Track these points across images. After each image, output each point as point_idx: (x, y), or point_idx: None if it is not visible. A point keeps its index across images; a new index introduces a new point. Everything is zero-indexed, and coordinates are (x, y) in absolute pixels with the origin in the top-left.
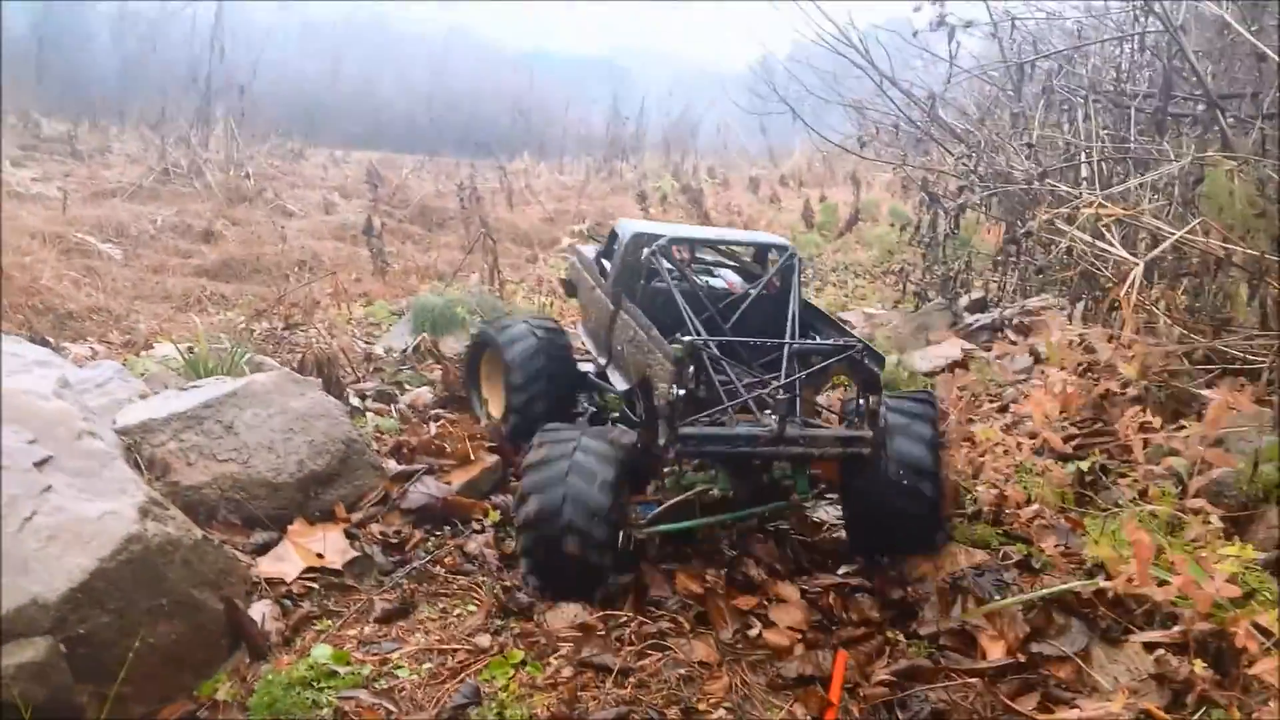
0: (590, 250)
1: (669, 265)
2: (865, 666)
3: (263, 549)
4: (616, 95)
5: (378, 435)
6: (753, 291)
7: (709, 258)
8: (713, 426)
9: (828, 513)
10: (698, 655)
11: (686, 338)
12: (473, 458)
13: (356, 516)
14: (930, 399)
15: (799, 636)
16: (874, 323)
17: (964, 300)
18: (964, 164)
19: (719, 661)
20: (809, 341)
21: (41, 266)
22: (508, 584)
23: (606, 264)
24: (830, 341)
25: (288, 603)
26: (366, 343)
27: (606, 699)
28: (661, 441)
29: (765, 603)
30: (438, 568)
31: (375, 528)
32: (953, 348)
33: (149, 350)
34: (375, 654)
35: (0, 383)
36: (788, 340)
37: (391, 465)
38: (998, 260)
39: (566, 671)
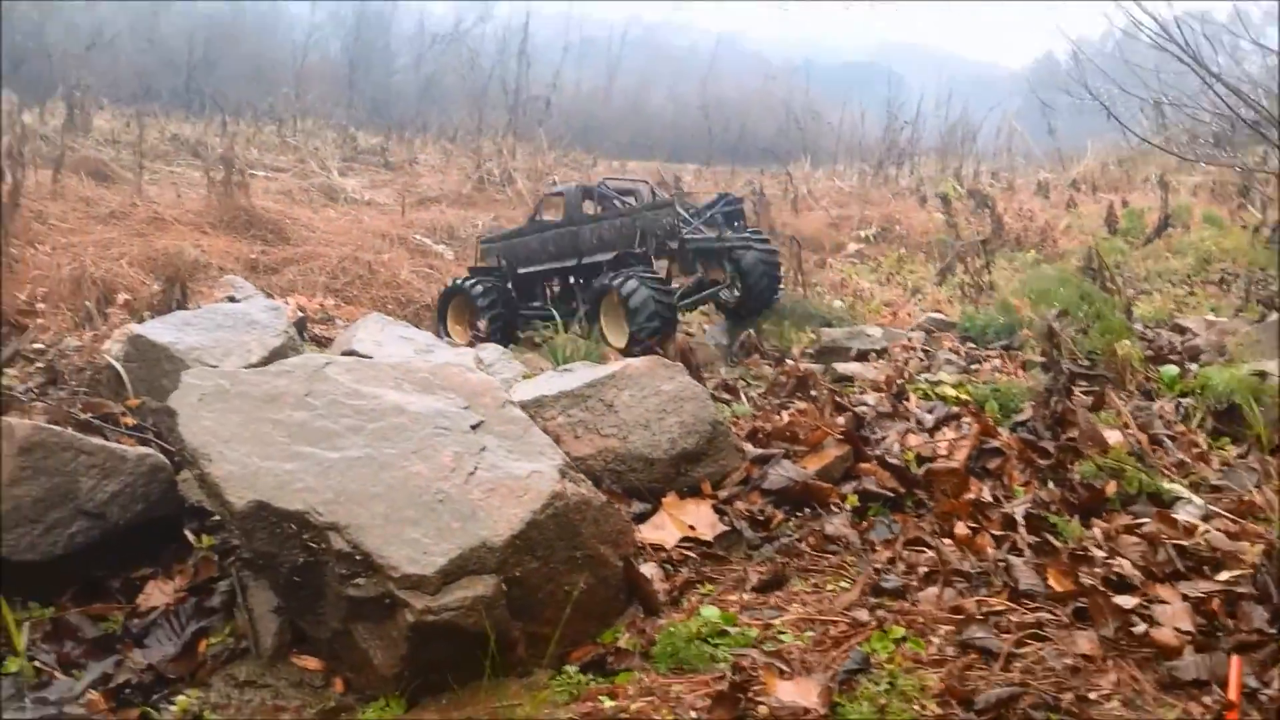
0: None
1: None
2: (1261, 674)
3: (640, 518)
4: (890, 100)
5: (733, 421)
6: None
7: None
8: None
9: (1192, 514)
10: (1080, 648)
11: None
12: (823, 446)
13: (723, 494)
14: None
15: (1187, 638)
16: (1219, 330)
17: None
18: None
19: (1103, 656)
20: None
21: (399, 264)
22: (878, 565)
23: None
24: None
25: (669, 567)
26: (687, 334)
27: (994, 680)
28: None
29: (1145, 603)
30: (803, 545)
31: (740, 505)
32: None
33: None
34: (758, 619)
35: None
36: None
37: (750, 449)
38: None
39: (950, 650)
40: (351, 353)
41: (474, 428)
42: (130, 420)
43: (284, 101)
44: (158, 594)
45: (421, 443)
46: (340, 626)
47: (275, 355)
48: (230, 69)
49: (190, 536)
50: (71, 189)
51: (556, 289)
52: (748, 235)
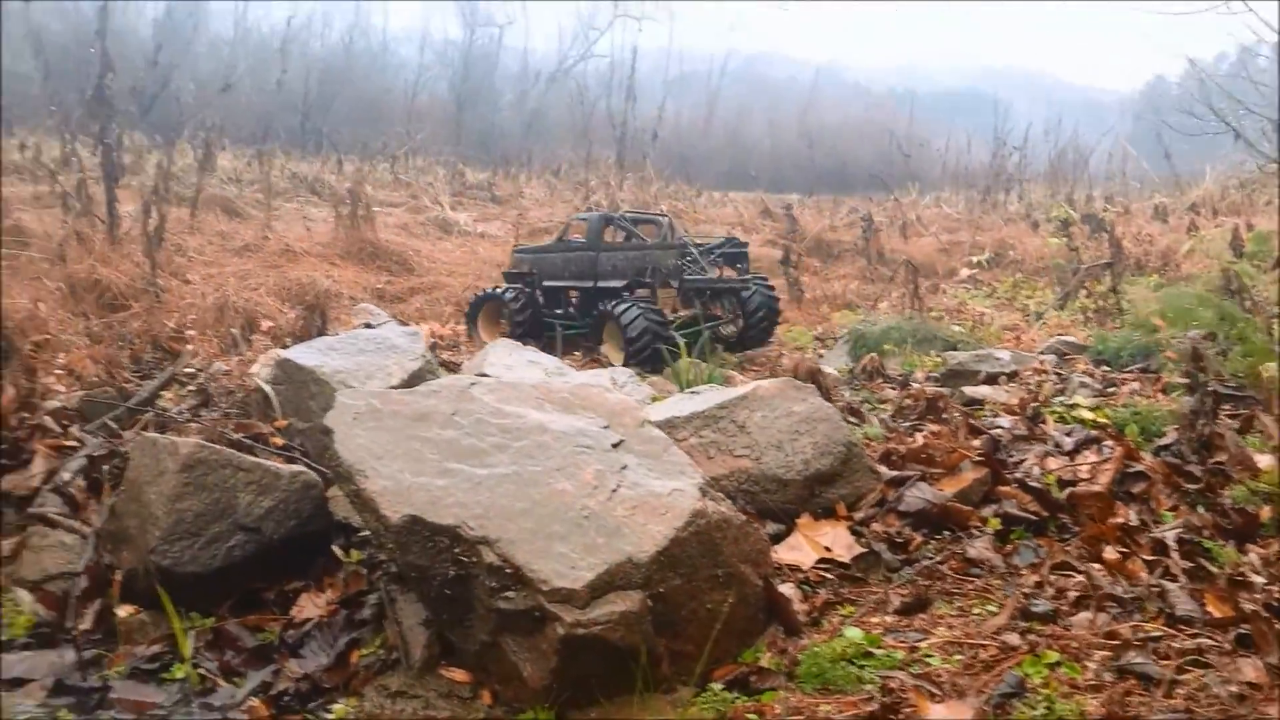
0: None
1: None
2: None
3: (774, 539)
4: (996, 125)
5: (865, 442)
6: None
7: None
8: None
9: None
10: (1245, 675)
11: None
12: (960, 468)
13: (858, 516)
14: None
15: None
16: None
17: None
18: None
19: (1270, 683)
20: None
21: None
22: (1025, 589)
23: None
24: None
25: (806, 588)
26: (806, 357)
27: (1157, 707)
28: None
29: None
30: (944, 568)
31: (877, 527)
32: None
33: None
34: (902, 642)
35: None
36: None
37: (884, 470)
38: None
39: (1107, 676)
40: (483, 375)
41: (614, 446)
42: (279, 440)
43: (396, 139)
44: (310, 606)
45: (564, 460)
46: (489, 639)
47: (414, 378)
48: (344, 109)
49: (338, 551)
50: (208, 224)
51: (576, 301)
52: (748, 278)
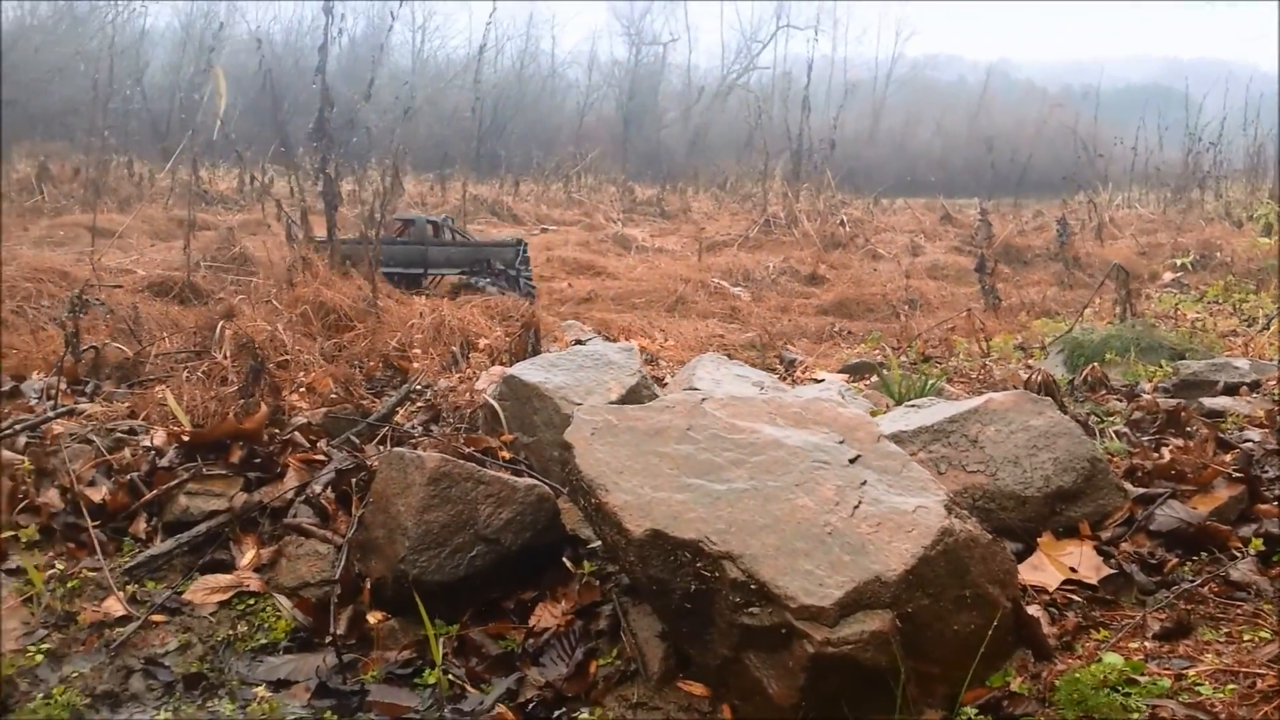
0: None
1: None
2: None
3: (1015, 558)
4: (1188, 121)
5: (1108, 457)
6: None
7: None
8: None
9: None
10: None
11: None
12: (1213, 485)
13: (1104, 535)
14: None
15: None
16: None
17: None
18: None
19: None
20: None
21: (707, 308)
22: None
23: None
24: None
25: (1053, 610)
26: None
27: None
28: None
29: None
30: (1205, 591)
31: (1126, 547)
32: None
33: (810, 378)
34: (1167, 669)
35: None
36: None
37: (1129, 488)
38: None
39: None
40: (692, 390)
41: (852, 461)
42: (506, 454)
43: (568, 160)
44: (547, 616)
45: (802, 476)
46: (730, 654)
47: (631, 393)
48: (517, 132)
49: (568, 563)
50: None
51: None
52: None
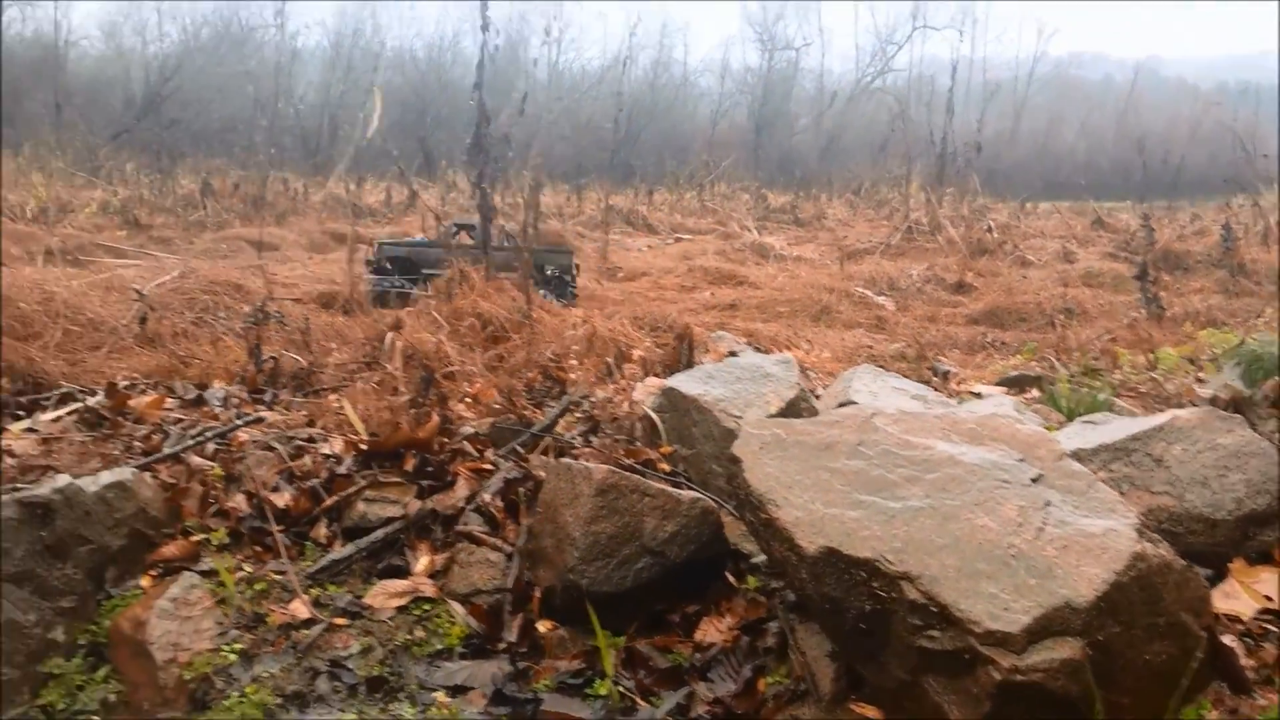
0: None
1: None
2: None
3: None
4: None
5: None
6: None
7: None
8: None
9: None
10: None
11: None
12: None
13: None
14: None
15: None
16: None
17: None
18: None
19: None
20: None
21: (854, 318)
22: None
23: None
24: None
25: (1249, 640)
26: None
27: None
28: None
29: None
30: None
31: None
32: None
33: (967, 391)
34: None
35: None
36: None
37: None
38: None
39: None
40: (849, 403)
41: (1033, 481)
42: (665, 466)
43: (701, 168)
44: (713, 631)
45: (981, 495)
46: (907, 677)
47: (790, 406)
48: (650, 142)
49: (731, 578)
50: None
51: None
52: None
